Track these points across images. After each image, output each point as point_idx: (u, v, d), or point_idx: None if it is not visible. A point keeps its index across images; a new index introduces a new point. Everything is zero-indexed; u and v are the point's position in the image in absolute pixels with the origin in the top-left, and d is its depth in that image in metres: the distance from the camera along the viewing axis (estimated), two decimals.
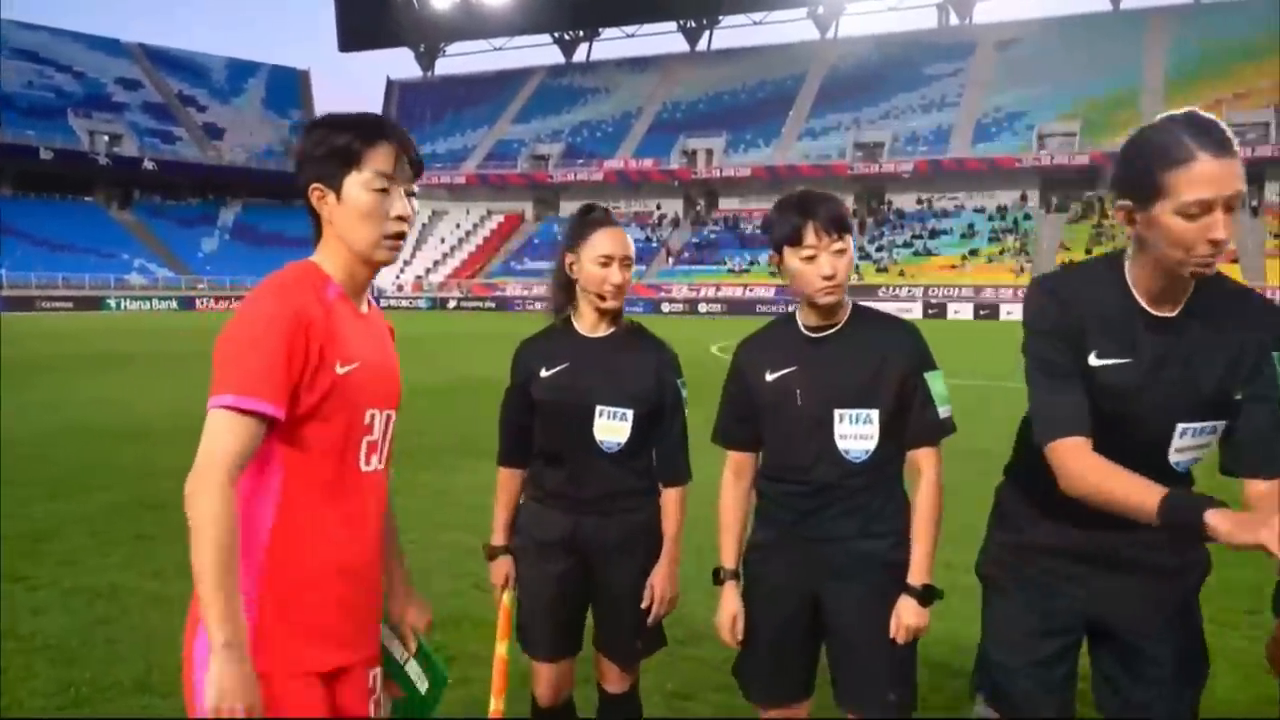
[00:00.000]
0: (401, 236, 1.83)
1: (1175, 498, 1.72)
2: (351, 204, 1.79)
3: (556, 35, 78.42)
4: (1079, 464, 1.90)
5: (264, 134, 72.14)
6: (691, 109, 68.44)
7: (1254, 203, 50.41)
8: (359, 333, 1.83)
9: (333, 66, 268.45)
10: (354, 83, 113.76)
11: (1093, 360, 1.98)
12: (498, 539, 2.79)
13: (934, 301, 47.84)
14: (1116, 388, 1.97)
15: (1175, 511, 1.71)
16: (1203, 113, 1.85)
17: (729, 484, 2.59)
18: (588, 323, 2.69)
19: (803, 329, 2.47)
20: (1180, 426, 1.99)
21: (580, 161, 65.69)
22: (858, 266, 28.82)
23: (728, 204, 62.95)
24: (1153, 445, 2.00)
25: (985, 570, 2.33)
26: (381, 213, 1.80)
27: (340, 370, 1.74)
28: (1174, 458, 2.02)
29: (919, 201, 58.76)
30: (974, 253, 52.77)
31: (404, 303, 57.51)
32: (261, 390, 1.64)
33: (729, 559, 2.56)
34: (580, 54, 79.19)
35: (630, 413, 2.62)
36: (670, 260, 58.89)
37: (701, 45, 75.84)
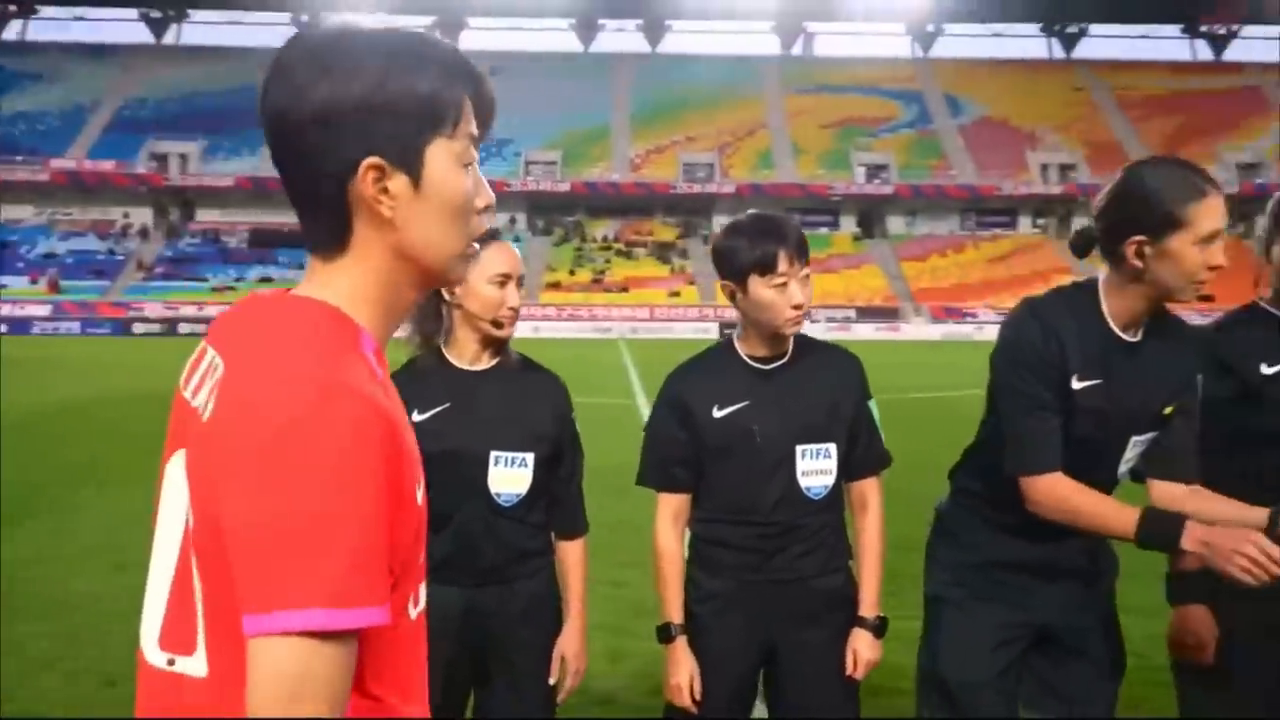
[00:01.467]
0: (482, 238, 1.23)
1: (1151, 516, 1.98)
2: (443, 187, 1.07)
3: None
4: (1057, 494, 2.09)
5: None
6: (160, 108, 61.75)
7: (704, 233, 58.16)
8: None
9: None
10: None
11: (1075, 384, 2.14)
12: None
13: None
14: (1092, 407, 2.15)
15: (1152, 529, 1.95)
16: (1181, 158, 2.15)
17: (668, 530, 2.41)
18: (468, 354, 2.34)
19: (749, 360, 2.38)
20: (1133, 439, 2.22)
21: (20, 159, 55.85)
22: None
23: (207, 215, 57.72)
24: (1112, 456, 2.21)
25: (940, 592, 2.41)
26: (473, 204, 1.11)
27: (419, 497, 1.04)
28: (1122, 467, 2.25)
29: None
30: None
31: None
32: (367, 593, 0.92)
33: (676, 613, 2.39)
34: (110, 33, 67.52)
35: (531, 457, 2.31)
36: (141, 275, 52.46)
37: (170, 39, 68.91)
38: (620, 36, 72.44)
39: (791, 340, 2.39)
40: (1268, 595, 2.11)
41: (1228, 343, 2.41)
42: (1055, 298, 2.25)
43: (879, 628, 2.41)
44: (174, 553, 1.04)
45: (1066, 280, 2.36)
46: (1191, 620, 2.34)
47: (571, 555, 2.44)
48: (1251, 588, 1.82)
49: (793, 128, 61.55)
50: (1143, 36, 70.96)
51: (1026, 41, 75.15)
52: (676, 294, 51.03)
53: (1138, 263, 2.08)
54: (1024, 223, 59.76)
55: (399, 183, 1.05)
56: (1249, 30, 68.96)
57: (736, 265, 2.29)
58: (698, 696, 2.35)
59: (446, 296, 2.29)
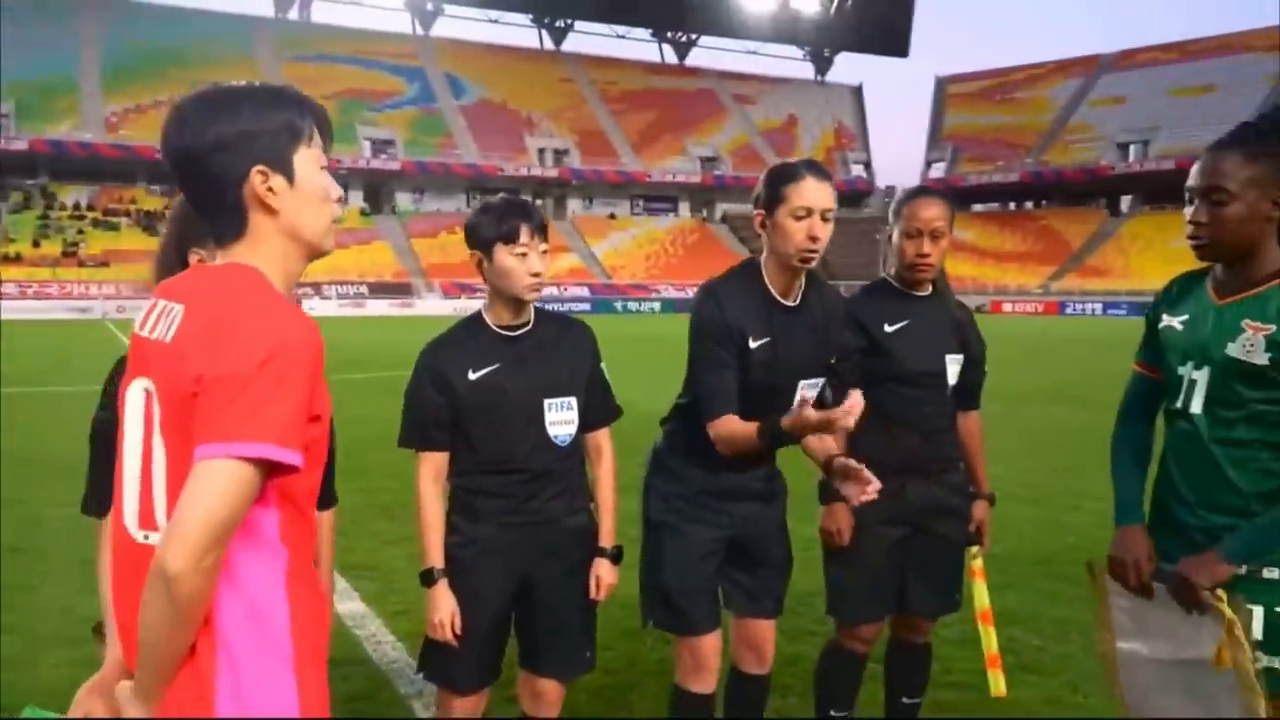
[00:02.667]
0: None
1: (770, 424, 2.47)
2: (309, 183, 1.54)
3: None
4: (727, 435, 2.60)
5: None
6: None
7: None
8: None
9: None
10: None
11: (750, 344, 2.64)
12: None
13: None
14: (764, 360, 2.65)
15: (763, 427, 2.49)
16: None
17: (429, 486, 2.64)
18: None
19: (496, 329, 2.66)
20: (801, 383, 2.73)
21: None
22: None
23: None
24: (784, 398, 2.69)
25: (658, 517, 2.85)
26: (329, 194, 1.59)
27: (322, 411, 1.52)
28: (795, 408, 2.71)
29: None
30: None
31: None
32: (297, 442, 1.39)
33: (438, 559, 2.61)
34: None
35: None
36: None
37: None
38: None
39: (532, 310, 2.68)
40: (883, 492, 2.69)
41: (861, 308, 3.01)
42: (728, 278, 2.73)
43: (616, 556, 2.75)
44: (139, 454, 1.48)
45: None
46: (835, 514, 2.96)
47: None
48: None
49: None
50: (620, 37, 78.37)
51: (520, 30, 79.33)
52: None
53: (761, 232, 2.65)
54: None
55: (278, 181, 1.50)
56: (707, 40, 79.40)
57: (484, 236, 2.58)
58: (458, 631, 2.57)
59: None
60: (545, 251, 2.62)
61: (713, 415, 2.60)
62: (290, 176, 1.51)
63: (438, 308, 46.25)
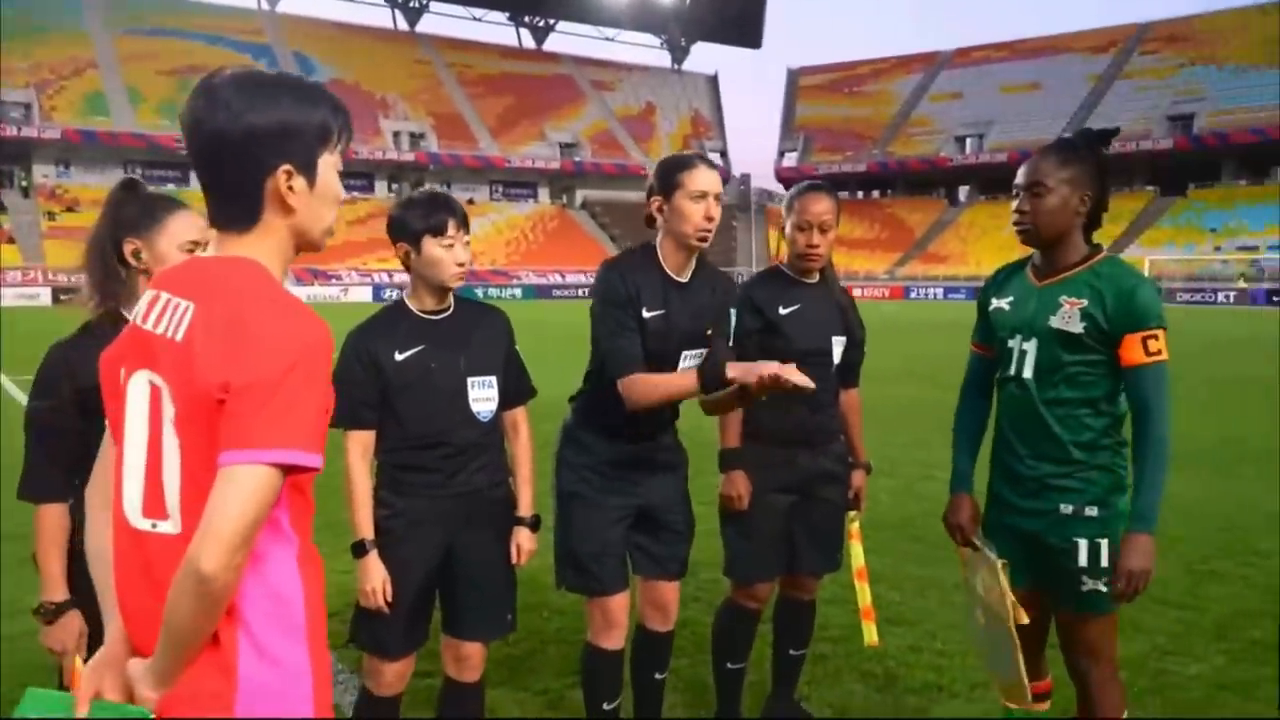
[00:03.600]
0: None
1: (706, 366, 2.65)
2: (327, 188, 1.58)
3: None
4: (640, 386, 2.79)
5: None
6: None
7: (23, 183, 50.09)
8: None
9: None
10: None
11: (645, 314, 2.86)
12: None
13: None
14: (656, 330, 2.87)
15: (708, 371, 2.62)
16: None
17: (358, 463, 2.76)
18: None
19: (420, 314, 2.83)
20: (685, 353, 2.95)
21: None
22: None
23: None
24: (671, 367, 2.91)
25: (571, 488, 3.04)
26: (340, 198, 1.64)
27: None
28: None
29: None
30: None
31: None
32: (320, 445, 1.45)
33: (368, 530, 2.74)
34: None
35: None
36: None
37: None
38: None
39: (452, 297, 2.85)
40: (777, 462, 3.25)
41: (757, 292, 3.30)
42: (628, 256, 2.98)
43: (535, 524, 2.94)
44: (143, 446, 1.51)
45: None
46: (735, 481, 3.23)
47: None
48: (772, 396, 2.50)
49: (127, 71, 55.71)
50: (476, 20, 77.27)
51: (372, 10, 77.11)
52: None
53: (658, 216, 2.91)
54: (380, 187, 61.75)
55: (300, 183, 1.53)
56: (564, 26, 79.14)
57: (412, 229, 2.74)
58: (389, 599, 2.71)
59: (133, 262, 2.38)
60: (468, 242, 2.80)
61: (622, 373, 2.80)
62: (313, 180, 1.55)
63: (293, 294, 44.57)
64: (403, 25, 73.97)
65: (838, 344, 3.37)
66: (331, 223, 1.62)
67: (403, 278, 2.96)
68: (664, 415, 3.04)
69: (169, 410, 1.48)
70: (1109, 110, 60.97)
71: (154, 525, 1.51)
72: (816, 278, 3.38)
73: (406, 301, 2.85)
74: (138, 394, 1.53)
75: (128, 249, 2.36)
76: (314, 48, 65.59)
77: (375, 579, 2.71)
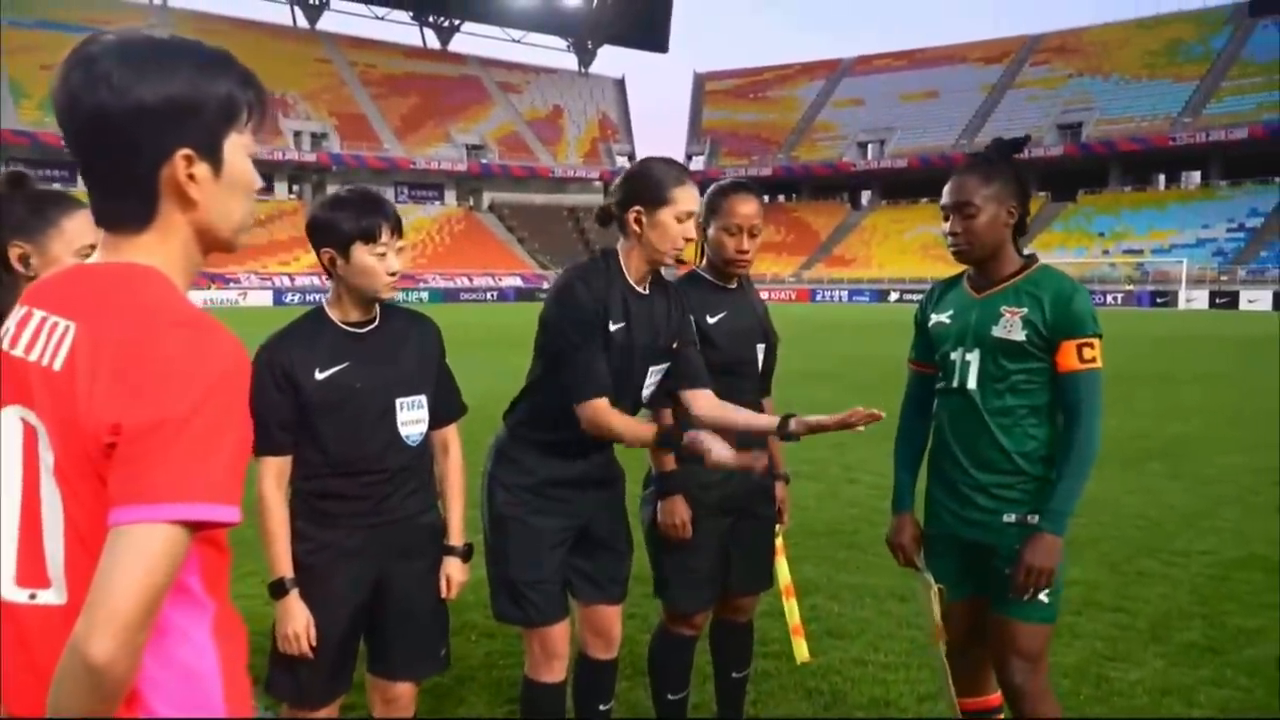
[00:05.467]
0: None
1: (669, 432, 2.58)
2: (236, 175, 1.30)
3: None
4: (600, 418, 2.60)
5: None
6: None
7: None
8: None
9: None
10: None
11: (611, 328, 2.66)
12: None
13: None
14: (621, 344, 2.68)
15: (666, 435, 2.59)
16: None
17: (274, 493, 2.47)
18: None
19: (343, 326, 2.54)
20: (650, 369, 2.77)
21: None
22: None
23: None
24: (636, 382, 2.75)
25: (505, 511, 2.79)
26: (253, 187, 1.35)
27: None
28: (645, 392, 2.81)
29: None
30: None
31: None
32: (234, 495, 1.17)
33: (287, 568, 2.46)
34: None
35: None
36: None
37: None
38: None
39: (378, 306, 2.57)
40: (711, 482, 2.99)
41: (688, 300, 3.00)
42: (591, 265, 2.74)
43: (467, 554, 2.70)
44: (17, 498, 1.22)
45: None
46: (676, 507, 3.00)
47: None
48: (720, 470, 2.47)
49: (10, 64, 52.90)
50: (379, 19, 75.82)
51: (271, 6, 75.10)
52: None
53: (637, 229, 2.66)
54: (280, 189, 60.06)
55: (203, 170, 1.26)
56: (470, 27, 78.24)
57: (340, 233, 2.43)
58: (313, 643, 2.43)
59: (20, 268, 2.12)
60: (401, 248, 2.54)
61: (585, 396, 2.60)
62: (218, 166, 1.27)
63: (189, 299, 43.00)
64: (303, 23, 72.19)
65: (760, 352, 3.21)
66: (245, 217, 1.33)
67: (306, 280, 2.67)
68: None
69: (47, 457, 1.21)
70: (1003, 118, 63.11)
71: (32, 596, 1.23)
72: (735, 283, 3.19)
73: (328, 311, 2.55)
74: (9, 436, 1.25)
75: (13, 253, 2.09)
76: (209, 42, 63.43)
77: (298, 621, 2.42)
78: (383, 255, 2.46)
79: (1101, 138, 58.93)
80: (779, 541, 3.40)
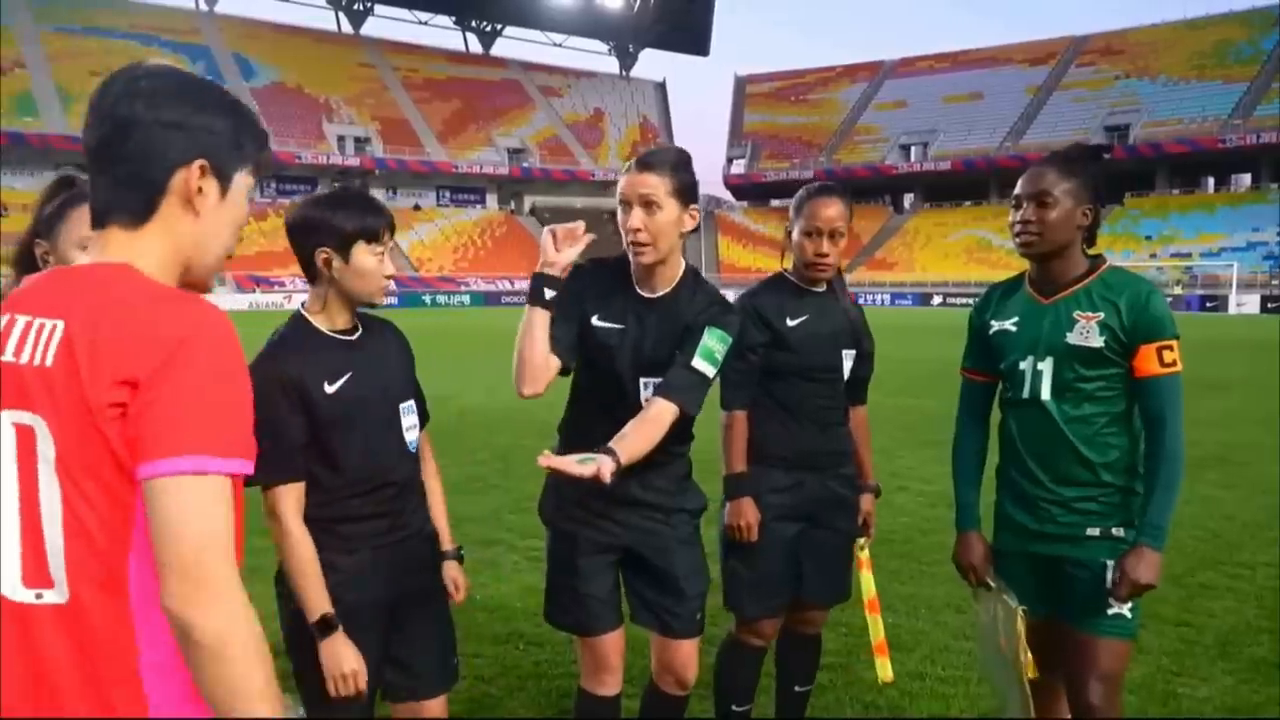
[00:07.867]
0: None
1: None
2: (235, 206, 1.41)
3: None
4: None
5: None
6: None
7: None
8: None
9: None
10: None
11: (594, 321, 2.58)
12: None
13: None
14: (600, 342, 2.60)
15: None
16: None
17: (298, 523, 2.23)
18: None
19: (333, 334, 2.36)
20: (643, 380, 2.59)
21: None
22: None
23: None
24: (631, 389, 2.59)
25: (551, 518, 2.76)
26: (242, 227, 1.47)
27: None
28: (643, 395, 2.60)
29: None
30: None
31: None
32: (253, 446, 1.27)
33: (327, 603, 2.23)
34: None
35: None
36: None
37: None
38: None
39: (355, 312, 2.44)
40: (782, 487, 3.00)
41: (762, 302, 3.04)
42: (603, 264, 2.69)
43: (460, 556, 2.64)
44: (16, 501, 1.25)
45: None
46: (743, 509, 2.97)
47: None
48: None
49: (58, 71, 54.02)
50: (422, 23, 76.40)
51: (315, 11, 75.91)
52: None
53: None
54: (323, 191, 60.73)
55: (211, 186, 1.36)
56: (511, 31, 78.60)
57: (341, 232, 2.27)
58: (360, 686, 2.24)
59: (42, 267, 2.12)
60: (393, 249, 2.45)
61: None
62: (225, 190, 1.38)
63: (234, 301, 43.58)
64: (346, 28, 72.92)
65: (848, 358, 3.12)
66: (225, 249, 1.41)
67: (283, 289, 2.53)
68: (650, 454, 2.51)
69: (48, 451, 1.23)
70: (1048, 120, 62.21)
71: (38, 596, 1.25)
72: (824, 288, 3.11)
73: (311, 319, 2.36)
74: (4, 442, 1.27)
75: (38, 252, 2.11)
76: (253, 49, 64.35)
77: (351, 661, 2.23)
78: (382, 256, 2.34)
79: (1149, 140, 57.84)
80: (863, 555, 3.29)
